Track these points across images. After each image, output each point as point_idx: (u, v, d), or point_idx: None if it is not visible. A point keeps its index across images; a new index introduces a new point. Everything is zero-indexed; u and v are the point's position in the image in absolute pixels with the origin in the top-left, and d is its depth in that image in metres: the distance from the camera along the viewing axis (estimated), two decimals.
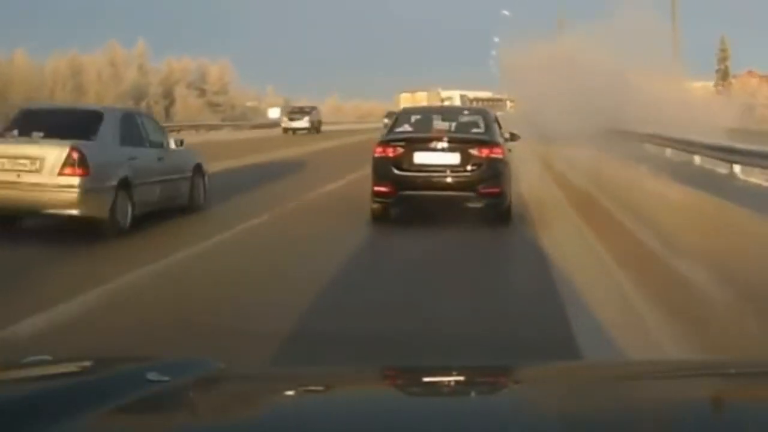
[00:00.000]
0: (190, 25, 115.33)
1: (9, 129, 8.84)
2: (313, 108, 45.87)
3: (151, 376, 1.39)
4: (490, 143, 9.67)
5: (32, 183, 7.88)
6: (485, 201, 9.42)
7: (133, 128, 9.33)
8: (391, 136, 10.06)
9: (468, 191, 9.36)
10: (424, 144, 9.68)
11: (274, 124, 51.24)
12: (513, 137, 10.99)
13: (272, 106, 66.53)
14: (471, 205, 9.43)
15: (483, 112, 11.41)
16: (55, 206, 7.95)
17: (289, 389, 1.57)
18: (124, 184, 8.49)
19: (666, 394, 1.42)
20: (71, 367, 1.67)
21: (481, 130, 10.19)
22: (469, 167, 9.40)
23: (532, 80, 32.40)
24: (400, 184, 9.41)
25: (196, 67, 71.79)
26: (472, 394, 1.56)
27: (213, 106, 69.27)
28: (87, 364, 1.65)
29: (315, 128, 42.00)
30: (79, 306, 5.38)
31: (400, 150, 9.56)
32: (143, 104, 60.15)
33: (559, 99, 27.28)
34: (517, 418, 1.28)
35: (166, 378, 1.39)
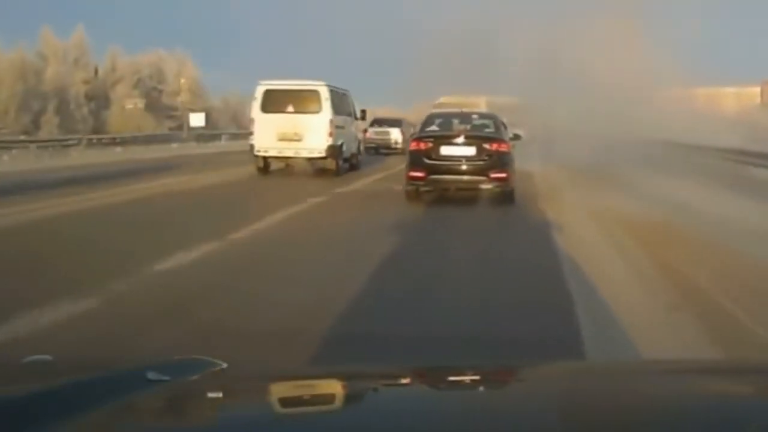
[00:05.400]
0: (173, 17, 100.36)
1: (372, 125, 28.69)
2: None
3: (151, 376, 1.38)
4: (499, 140, 12.29)
5: (387, 139, 29.98)
6: (494, 184, 11.93)
7: (408, 126, 27.61)
8: (423, 134, 12.73)
9: (481, 176, 11.91)
10: (448, 140, 12.22)
11: (201, 137, 42.24)
12: (516, 137, 13.42)
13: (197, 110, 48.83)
14: (483, 186, 12.00)
15: (492, 116, 13.97)
16: (392, 147, 29.09)
17: (291, 389, 1.57)
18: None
19: (666, 394, 1.42)
20: (71, 367, 1.67)
21: (492, 129, 12.89)
22: (482, 157, 11.93)
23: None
24: (430, 170, 11.96)
25: (148, 62, 57.64)
26: (472, 393, 1.56)
27: (164, 110, 56.41)
28: (87, 364, 1.64)
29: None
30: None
31: (430, 144, 12.16)
32: (50, 106, 47.01)
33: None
34: (518, 418, 1.28)
35: (166, 378, 1.39)
